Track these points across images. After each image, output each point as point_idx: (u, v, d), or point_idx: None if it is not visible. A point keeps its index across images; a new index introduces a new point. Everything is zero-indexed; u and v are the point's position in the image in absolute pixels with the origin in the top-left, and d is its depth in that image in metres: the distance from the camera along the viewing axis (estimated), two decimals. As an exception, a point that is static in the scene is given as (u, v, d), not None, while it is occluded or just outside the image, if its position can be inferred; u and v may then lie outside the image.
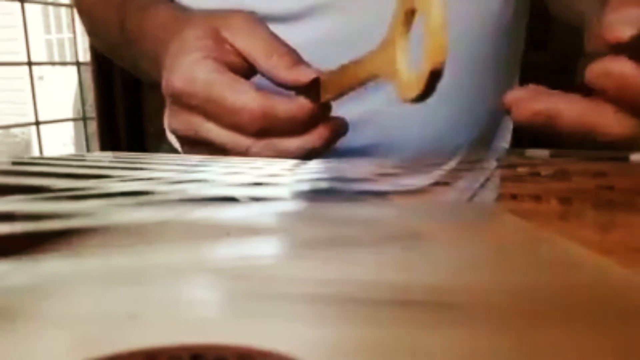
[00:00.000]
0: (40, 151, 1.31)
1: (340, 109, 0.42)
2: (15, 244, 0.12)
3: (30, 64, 1.18)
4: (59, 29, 2.36)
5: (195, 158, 0.27)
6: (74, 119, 1.69)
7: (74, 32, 1.33)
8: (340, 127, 0.32)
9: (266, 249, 0.11)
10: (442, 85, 0.34)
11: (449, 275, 0.13)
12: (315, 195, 0.17)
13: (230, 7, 0.38)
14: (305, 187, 0.18)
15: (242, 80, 0.30)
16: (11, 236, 0.11)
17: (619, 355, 0.09)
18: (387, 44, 0.25)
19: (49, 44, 2.45)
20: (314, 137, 0.30)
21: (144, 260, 0.11)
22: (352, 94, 0.37)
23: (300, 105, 0.29)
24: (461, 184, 0.20)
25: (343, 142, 0.42)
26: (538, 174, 0.22)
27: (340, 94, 0.29)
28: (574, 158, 0.25)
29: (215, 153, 0.31)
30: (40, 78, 2.02)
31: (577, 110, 0.21)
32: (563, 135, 0.21)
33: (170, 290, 0.11)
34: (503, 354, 0.09)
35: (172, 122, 0.32)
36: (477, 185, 0.20)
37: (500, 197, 0.19)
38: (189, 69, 0.30)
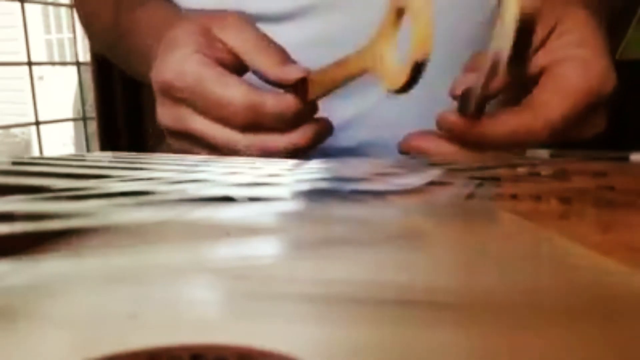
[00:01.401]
0: (40, 151, 1.31)
1: (335, 108, 0.42)
2: (15, 244, 0.12)
3: (30, 64, 1.18)
4: (59, 29, 2.36)
5: (195, 158, 0.27)
6: (74, 119, 1.69)
7: (74, 32, 1.33)
8: (325, 128, 0.33)
9: (266, 249, 0.11)
10: (437, 83, 0.35)
11: (448, 275, 0.13)
12: (315, 195, 0.17)
13: (225, 7, 0.39)
14: (305, 187, 0.18)
15: (230, 74, 0.30)
16: (11, 236, 0.11)
17: (619, 355, 0.09)
18: (376, 40, 0.27)
19: (49, 44, 2.45)
20: (299, 136, 0.31)
21: (144, 260, 0.11)
22: (343, 91, 0.38)
23: (288, 102, 0.30)
24: (459, 183, 0.20)
25: (338, 141, 0.42)
26: (538, 174, 0.22)
27: (329, 90, 0.30)
28: (574, 158, 0.25)
29: (201, 147, 0.32)
30: (40, 78, 2.02)
31: (438, 149, 0.30)
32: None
33: (170, 290, 0.11)
34: (503, 354, 0.09)
35: (161, 114, 0.32)
36: (474, 184, 0.20)
37: (500, 197, 0.19)
38: (179, 63, 0.30)
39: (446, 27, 0.41)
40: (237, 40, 0.31)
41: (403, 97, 0.41)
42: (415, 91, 0.43)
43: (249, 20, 0.33)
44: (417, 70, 0.23)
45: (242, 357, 0.08)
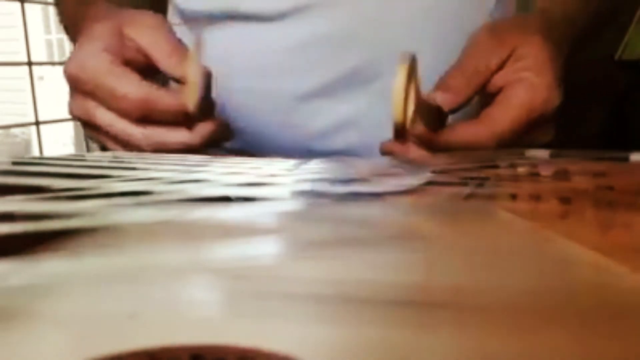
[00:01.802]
0: (40, 151, 1.31)
1: (326, 111, 0.43)
2: (15, 244, 0.12)
3: (30, 64, 1.18)
4: (59, 29, 2.36)
5: (195, 158, 0.27)
6: (74, 119, 1.69)
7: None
8: (222, 129, 0.34)
9: (266, 249, 0.11)
10: (426, 88, 0.36)
11: (448, 275, 0.13)
12: (314, 195, 0.17)
13: (219, 6, 0.40)
14: (305, 187, 0.18)
15: (131, 72, 0.32)
16: (11, 236, 0.11)
17: (619, 355, 0.09)
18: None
19: (49, 44, 2.45)
20: (193, 134, 0.33)
21: (144, 260, 0.11)
22: (334, 94, 0.39)
23: (182, 99, 0.32)
24: (458, 183, 0.20)
25: (329, 144, 0.42)
26: (538, 174, 0.22)
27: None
28: (574, 158, 0.25)
29: (107, 138, 0.34)
30: (40, 78, 2.02)
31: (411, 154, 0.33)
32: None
33: (170, 290, 0.11)
34: (503, 355, 0.09)
35: (71, 105, 0.35)
36: (474, 184, 0.20)
37: (500, 197, 0.19)
38: (85, 57, 0.33)
39: (437, 34, 0.41)
40: (149, 42, 0.33)
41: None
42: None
43: (164, 22, 0.35)
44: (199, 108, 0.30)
45: (242, 357, 0.08)
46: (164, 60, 0.33)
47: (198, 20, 0.43)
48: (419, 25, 0.41)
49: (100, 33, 0.33)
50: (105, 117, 0.33)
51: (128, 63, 0.33)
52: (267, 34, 0.41)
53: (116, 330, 0.10)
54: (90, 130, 0.35)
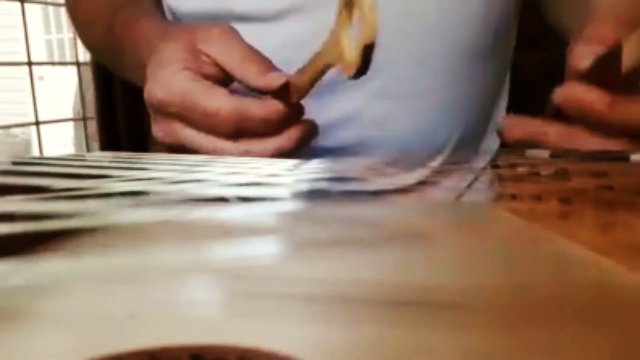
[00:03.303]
0: (40, 151, 1.31)
1: (322, 109, 0.43)
2: (15, 244, 0.12)
3: (30, 64, 1.18)
4: (59, 29, 2.36)
5: (195, 158, 0.27)
6: (74, 119, 1.69)
7: (74, 32, 1.32)
8: (310, 130, 0.34)
9: (266, 249, 0.11)
10: (424, 80, 0.35)
11: (449, 275, 0.13)
12: (314, 195, 0.17)
13: (213, 7, 0.40)
14: (305, 187, 0.18)
15: (216, 86, 0.32)
16: (11, 236, 0.11)
17: (618, 355, 0.09)
18: (333, 34, 0.29)
19: (49, 44, 2.45)
20: (284, 139, 0.32)
21: (144, 260, 0.11)
22: (330, 92, 0.38)
23: (273, 106, 0.31)
24: (449, 182, 0.20)
25: (325, 142, 0.42)
26: (538, 174, 0.22)
27: (307, 89, 0.31)
28: (574, 158, 0.25)
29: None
30: (40, 78, 2.02)
31: (558, 133, 0.26)
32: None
33: (170, 290, 0.11)
34: (503, 354, 0.09)
35: (156, 130, 0.34)
36: (464, 184, 0.20)
37: (499, 197, 0.19)
38: (168, 80, 0.32)
39: (438, 22, 0.41)
40: (222, 54, 0.33)
41: (390, 97, 0.42)
42: (402, 91, 0.43)
43: (235, 32, 0.34)
44: (367, 54, 0.24)
45: (242, 357, 0.08)
46: (238, 69, 0.32)
47: (191, 21, 0.43)
48: (411, 25, 0.41)
49: (173, 53, 0.33)
50: (194, 137, 0.32)
51: (207, 79, 0.32)
52: (261, 35, 0.41)
53: (116, 330, 0.10)
54: (176, 152, 0.34)
